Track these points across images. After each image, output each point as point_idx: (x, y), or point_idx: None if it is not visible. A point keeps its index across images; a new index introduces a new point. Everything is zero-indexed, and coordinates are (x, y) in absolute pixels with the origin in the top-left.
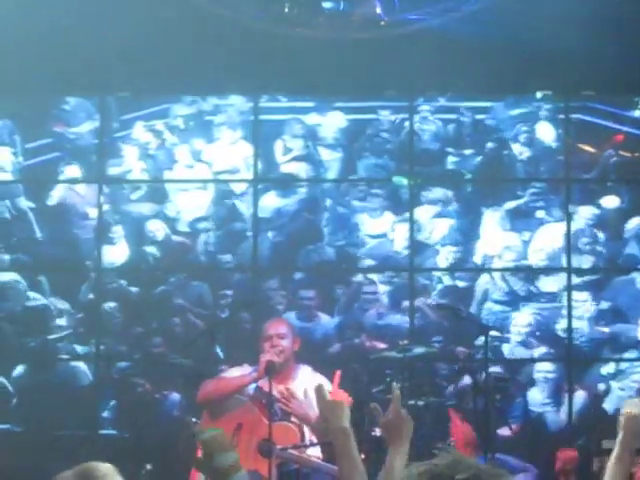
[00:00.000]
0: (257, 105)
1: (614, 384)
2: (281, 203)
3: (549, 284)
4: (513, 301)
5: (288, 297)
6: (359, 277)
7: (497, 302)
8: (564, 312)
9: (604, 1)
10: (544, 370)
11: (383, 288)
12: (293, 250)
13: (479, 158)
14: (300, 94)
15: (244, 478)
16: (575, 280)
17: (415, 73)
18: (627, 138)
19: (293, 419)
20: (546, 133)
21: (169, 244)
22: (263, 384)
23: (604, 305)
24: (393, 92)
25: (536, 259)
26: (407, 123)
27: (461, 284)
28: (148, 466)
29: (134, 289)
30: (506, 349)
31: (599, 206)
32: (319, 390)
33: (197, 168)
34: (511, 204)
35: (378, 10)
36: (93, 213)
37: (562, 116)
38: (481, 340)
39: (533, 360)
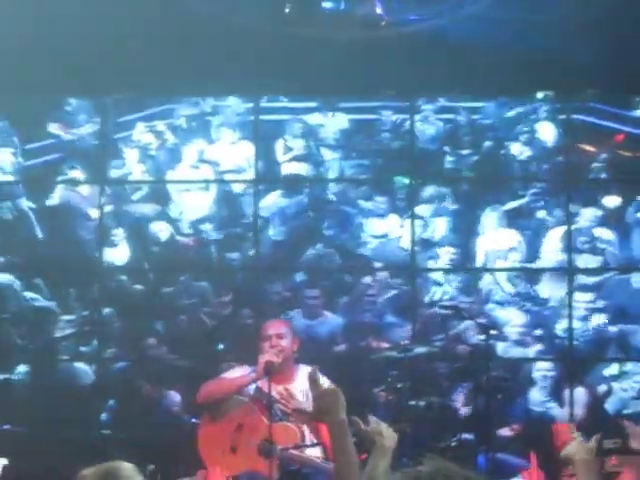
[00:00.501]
0: (257, 105)
1: (616, 385)
2: (284, 203)
3: (551, 286)
4: (514, 302)
5: (292, 296)
6: (367, 278)
7: (499, 302)
8: (565, 312)
9: (603, 1)
10: (543, 369)
11: (388, 289)
12: (296, 250)
13: (478, 158)
14: (300, 94)
15: None
16: (580, 281)
17: (415, 73)
18: (628, 138)
19: (293, 419)
20: (547, 133)
21: (173, 244)
22: (263, 384)
23: (606, 305)
24: (393, 92)
25: (547, 261)
26: (408, 123)
27: (463, 284)
28: (151, 467)
29: (136, 289)
30: (505, 348)
31: (602, 206)
32: (312, 377)
33: (200, 168)
34: (512, 204)
35: (378, 10)
36: (95, 214)
37: (563, 116)
38: (482, 340)
39: (533, 360)
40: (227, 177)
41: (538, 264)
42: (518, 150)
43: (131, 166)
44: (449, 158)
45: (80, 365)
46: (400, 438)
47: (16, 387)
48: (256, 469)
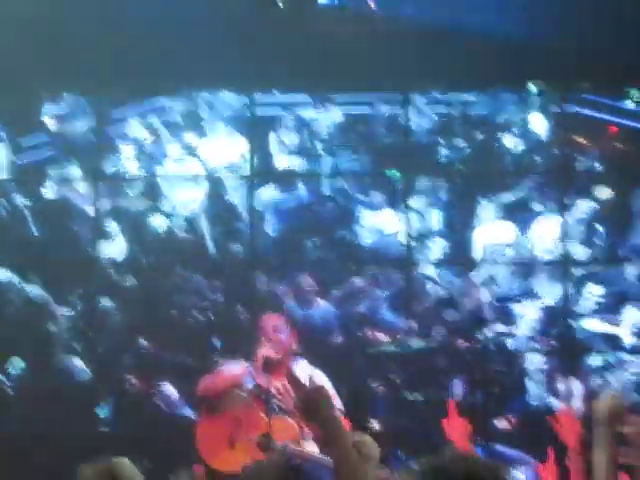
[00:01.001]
0: (252, 100)
1: (612, 377)
2: (280, 197)
3: (549, 280)
4: (513, 295)
5: (288, 288)
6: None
7: (498, 296)
8: (565, 305)
9: None
10: (541, 362)
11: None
12: (293, 243)
13: (473, 150)
14: (294, 89)
15: None
16: (577, 272)
17: (409, 67)
18: (620, 129)
19: (291, 414)
20: (540, 125)
21: (169, 239)
22: (261, 379)
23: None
24: (387, 86)
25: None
26: (401, 116)
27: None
28: (146, 463)
29: (132, 284)
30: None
31: (595, 198)
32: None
33: (193, 163)
34: (507, 196)
35: (372, 5)
36: (91, 210)
37: (556, 108)
38: (480, 333)
39: (531, 352)
40: (222, 172)
41: (534, 256)
42: (512, 142)
43: (125, 161)
44: (443, 151)
45: (76, 360)
46: (394, 433)
47: (12, 385)
48: None
